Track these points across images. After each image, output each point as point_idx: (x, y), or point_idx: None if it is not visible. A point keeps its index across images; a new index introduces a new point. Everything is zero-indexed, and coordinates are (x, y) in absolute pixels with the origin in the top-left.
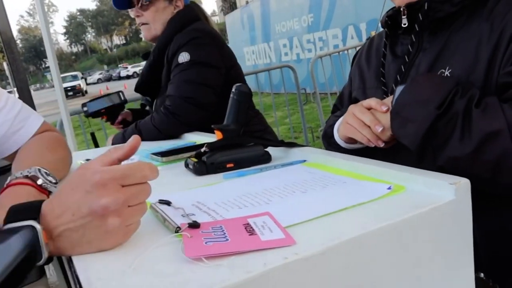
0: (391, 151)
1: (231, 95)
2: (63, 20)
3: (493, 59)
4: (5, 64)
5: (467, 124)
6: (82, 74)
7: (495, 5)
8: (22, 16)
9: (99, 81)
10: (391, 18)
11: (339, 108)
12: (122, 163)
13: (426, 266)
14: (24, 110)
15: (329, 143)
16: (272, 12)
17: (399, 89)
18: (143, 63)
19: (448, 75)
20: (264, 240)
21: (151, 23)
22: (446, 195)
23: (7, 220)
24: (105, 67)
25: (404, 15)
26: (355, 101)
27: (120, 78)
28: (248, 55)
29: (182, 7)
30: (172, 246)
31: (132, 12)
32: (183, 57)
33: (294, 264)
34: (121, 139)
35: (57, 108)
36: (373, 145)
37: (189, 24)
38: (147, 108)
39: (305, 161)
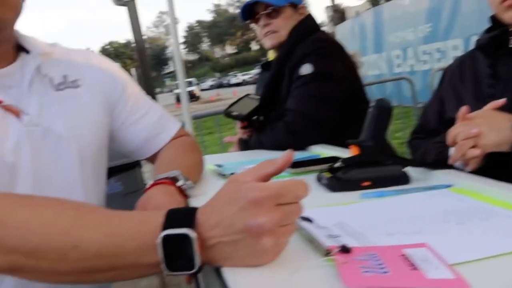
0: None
1: (370, 109)
2: (182, 31)
3: None
4: (132, 71)
5: None
6: (197, 80)
7: None
8: (148, 27)
9: (211, 87)
10: (496, 38)
11: (426, 128)
12: None
13: None
14: (164, 115)
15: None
16: (386, 22)
17: None
18: (253, 71)
19: None
20: (431, 279)
21: (281, 30)
22: None
23: (166, 225)
24: (217, 74)
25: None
26: (451, 121)
27: (230, 85)
28: None
29: (305, 16)
30: (324, 270)
31: (257, 24)
32: (306, 69)
33: None
34: (244, 147)
35: (173, 111)
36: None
37: (312, 34)
38: (255, 117)
39: (451, 186)
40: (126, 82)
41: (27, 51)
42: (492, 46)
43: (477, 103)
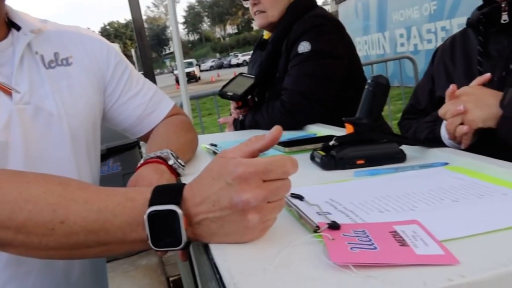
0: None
1: (366, 87)
2: (182, 11)
3: None
4: (133, 51)
5: None
6: (197, 61)
7: None
8: (148, 7)
9: (211, 68)
10: (487, 15)
11: (416, 107)
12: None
13: None
14: (158, 93)
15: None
16: (390, 0)
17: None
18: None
19: None
20: (420, 255)
21: (268, 10)
22: None
23: (152, 201)
24: (217, 55)
25: (504, 12)
26: (441, 100)
27: (230, 66)
28: (360, 45)
29: None
30: (312, 246)
31: (247, 2)
32: (304, 46)
33: None
34: (239, 127)
35: (173, 92)
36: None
37: (309, 10)
38: (250, 96)
39: (447, 163)
40: (119, 59)
41: (18, 28)
42: (483, 24)
43: (467, 82)
